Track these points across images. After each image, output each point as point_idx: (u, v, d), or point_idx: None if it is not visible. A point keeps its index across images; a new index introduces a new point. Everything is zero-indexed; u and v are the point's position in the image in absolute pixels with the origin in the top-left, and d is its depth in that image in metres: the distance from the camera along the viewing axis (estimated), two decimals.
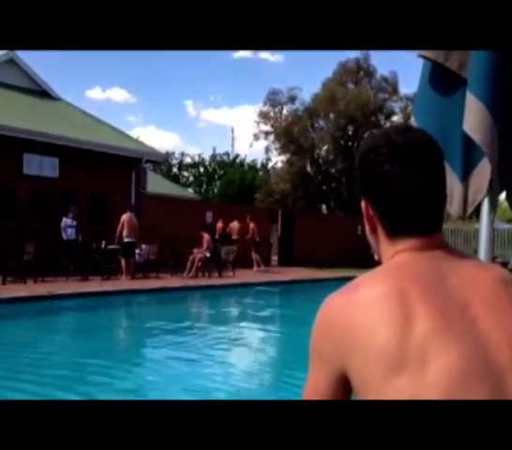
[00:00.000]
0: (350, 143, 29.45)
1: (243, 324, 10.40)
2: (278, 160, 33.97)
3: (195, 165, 46.77)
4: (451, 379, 0.88)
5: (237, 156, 46.52)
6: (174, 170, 46.10)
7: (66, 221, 13.62)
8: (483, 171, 2.01)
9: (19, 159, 14.27)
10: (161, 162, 32.67)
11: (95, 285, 12.26)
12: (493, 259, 2.42)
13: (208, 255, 15.16)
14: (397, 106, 30.30)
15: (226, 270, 16.43)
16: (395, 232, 1.06)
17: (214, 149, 59.98)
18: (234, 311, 12.20)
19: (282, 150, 30.36)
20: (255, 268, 18.09)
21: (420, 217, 1.05)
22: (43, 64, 59.51)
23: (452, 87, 2.03)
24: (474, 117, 1.88)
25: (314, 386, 1.01)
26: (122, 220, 13.84)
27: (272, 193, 30.17)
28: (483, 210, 2.08)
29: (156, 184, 22.81)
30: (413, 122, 2.14)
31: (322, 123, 30.37)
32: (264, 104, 30.40)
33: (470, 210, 2.10)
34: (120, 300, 11.52)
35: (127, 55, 60.29)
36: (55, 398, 4.69)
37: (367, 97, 28.55)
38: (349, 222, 23.32)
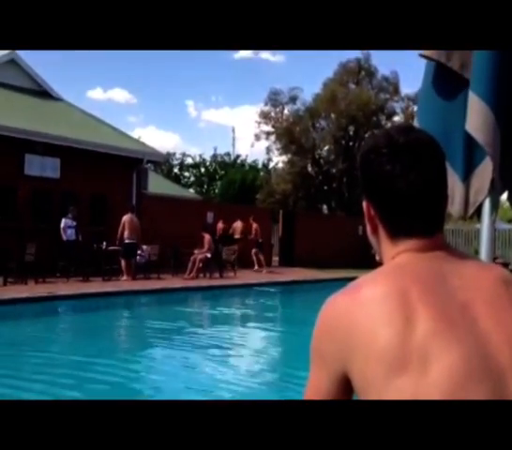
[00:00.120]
0: (351, 144, 29.45)
1: (244, 325, 10.40)
2: (279, 160, 34.03)
3: (196, 165, 46.78)
4: (452, 379, 0.88)
5: (238, 156, 46.58)
6: (175, 170, 46.11)
7: (65, 222, 13.60)
8: (484, 171, 2.01)
9: (20, 160, 14.28)
10: (162, 163, 32.72)
11: (96, 286, 12.26)
12: (494, 259, 2.40)
13: (209, 256, 15.15)
14: (398, 106, 30.35)
15: (227, 271, 16.43)
16: (396, 233, 1.06)
17: (215, 149, 59.94)
18: (236, 312, 12.20)
19: (283, 150, 30.38)
20: (263, 271, 17.68)
21: (421, 218, 1.05)
22: (44, 64, 59.66)
23: (454, 87, 2.03)
24: (476, 117, 1.87)
25: (315, 386, 1.01)
26: (123, 221, 13.83)
27: (273, 193, 30.18)
28: (484, 210, 2.08)
29: (157, 184, 22.81)
30: (416, 122, 2.14)
31: (323, 123, 30.39)
32: (265, 104, 30.45)
33: (471, 210, 2.10)
34: (121, 301, 11.52)
35: (127, 56, 60.41)
36: (57, 399, 4.69)
37: (368, 98, 28.54)
38: (350, 223, 23.32)
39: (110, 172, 16.13)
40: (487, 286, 1.01)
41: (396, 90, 29.90)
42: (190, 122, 72.32)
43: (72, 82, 63.20)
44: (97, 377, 5.78)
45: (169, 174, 42.53)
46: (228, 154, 46.85)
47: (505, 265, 15.62)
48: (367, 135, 26.67)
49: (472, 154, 2.04)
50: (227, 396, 5.11)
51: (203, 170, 46.58)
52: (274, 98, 30.23)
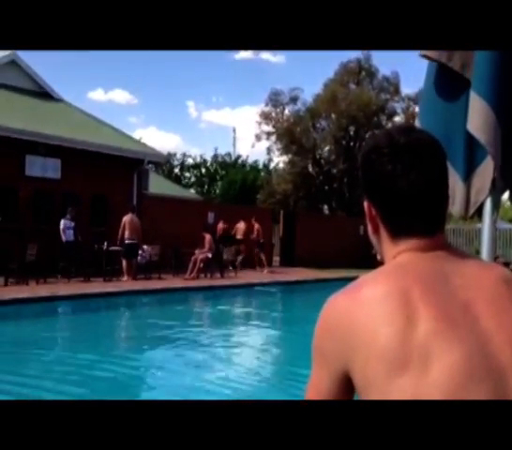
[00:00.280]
0: (351, 144, 29.45)
1: (245, 324, 10.41)
2: (279, 161, 34.08)
3: (197, 166, 46.79)
4: (453, 379, 0.88)
5: (239, 156, 46.59)
6: (176, 170, 46.11)
7: (65, 223, 13.59)
8: (485, 170, 2.01)
9: (21, 161, 14.30)
10: (163, 163, 32.72)
11: (97, 286, 12.27)
12: (495, 259, 2.40)
13: (210, 256, 15.16)
14: (398, 106, 30.34)
15: (227, 271, 16.43)
16: (397, 233, 1.06)
17: (216, 150, 60.08)
18: (237, 311, 12.20)
19: (284, 150, 30.38)
20: (265, 271, 17.74)
21: (422, 218, 1.05)
22: (45, 65, 59.66)
23: (456, 88, 2.03)
24: (477, 117, 1.87)
25: (317, 385, 1.01)
26: (123, 221, 13.84)
27: (274, 194, 30.19)
28: (485, 210, 2.08)
29: (157, 185, 22.82)
30: (417, 122, 2.14)
31: (323, 123, 30.40)
32: (266, 105, 30.46)
33: (472, 210, 2.10)
34: (122, 301, 11.53)
35: (128, 56, 60.52)
36: (57, 399, 4.69)
37: (368, 98, 28.53)
38: (351, 222, 23.33)
39: (111, 172, 16.14)
40: (488, 285, 1.01)
41: (396, 90, 29.89)
42: (191, 122, 72.43)
43: (73, 83, 63.44)
44: (98, 377, 5.79)
45: (170, 175, 42.53)
46: (229, 154, 46.93)
47: (506, 265, 15.60)
48: (367, 135, 26.71)
49: (473, 153, 2.03)
50: (229, 395, 5.11)
51: (203, 170, 46.57)
52: (274, 99, 30.25)
